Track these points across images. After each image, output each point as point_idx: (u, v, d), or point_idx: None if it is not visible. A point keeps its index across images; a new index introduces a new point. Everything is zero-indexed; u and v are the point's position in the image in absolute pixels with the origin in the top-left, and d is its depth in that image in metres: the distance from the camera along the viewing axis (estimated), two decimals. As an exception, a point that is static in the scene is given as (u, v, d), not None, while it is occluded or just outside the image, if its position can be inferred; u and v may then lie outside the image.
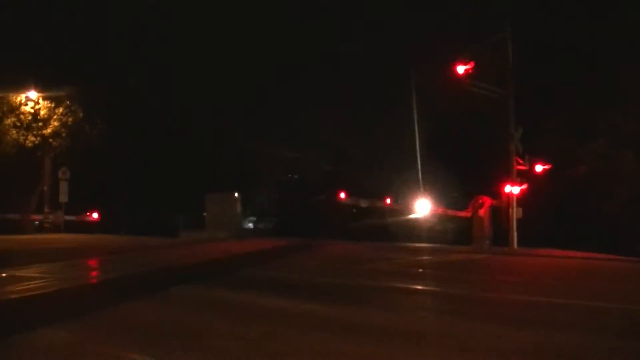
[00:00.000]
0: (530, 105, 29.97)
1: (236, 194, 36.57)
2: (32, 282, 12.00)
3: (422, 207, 30.11)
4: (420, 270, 17.25)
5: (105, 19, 38.21)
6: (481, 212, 25.49)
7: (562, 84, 30.96)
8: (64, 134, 34.55)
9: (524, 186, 25.97)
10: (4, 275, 13.32)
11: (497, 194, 26.30)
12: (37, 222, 36.95)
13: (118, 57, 38.55)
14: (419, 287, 13.00)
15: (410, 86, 34.43)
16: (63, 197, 34.44)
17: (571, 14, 30.50)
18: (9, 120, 33.63)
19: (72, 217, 33.12)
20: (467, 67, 24.88)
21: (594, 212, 29.48)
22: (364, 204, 34.14)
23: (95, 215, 30.26)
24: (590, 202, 29.79)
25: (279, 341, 7.50)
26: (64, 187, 34.53)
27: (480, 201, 25.72)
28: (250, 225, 51.93)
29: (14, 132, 33.57)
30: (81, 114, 34.80)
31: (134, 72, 39.06)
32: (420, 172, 34.90)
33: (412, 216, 32.07)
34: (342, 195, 33.63)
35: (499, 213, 26.35)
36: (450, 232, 32.13)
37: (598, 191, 29.86)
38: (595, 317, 9.57)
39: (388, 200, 33.74)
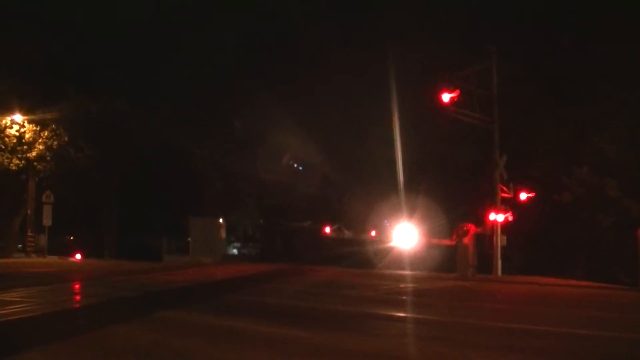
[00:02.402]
0: (515, 132, 30.16)
1: (220, 220, 36.54)
2: (14, 307, 11.92)
3: (406, 235, 30.15)
4: (404, 297, 17.25)
5: (92, 43, 38.25)
6: (465, 239, 25.52)
7: (547, 111, 31.20)
8: (48, 158, 34.43)
9: (508, 214, 26.07)
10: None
11: (481, 221, 26.38)
12: (20, 245, 36.77)
13: (105, 81, 38.55)
14: (403, 314, 13.00)
15: (392, 113, 34.48)
16: (47, 221, 34.25)
17: (556, 42, 30.84)
18: (-7, 143, 33.55)
19: (55, 257, 32.86)
20: (452, 94, 25.06)
21: (579, 240, 29.57)
22: (348, 235, 34.18)
23: (78, 256, 30.31)
24: (574, 230, 29.88)
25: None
26: (47, 210, 34.35)
27: (465, 229, 25.76)
28: (235, 250, 51.73)
29: (-2, 155, 33.48)
30: (66, 138, 34.70)
31: (121, 96, 39.02)
32: (402, 199, 34.90)
33: (395, 244, 32.07)
34: (327, 229, 33.71)
35: (484, 240, 26.42)
36: (435, 259, 32.09)
37: (582, 218, 29.95)
38: (581, 344, 9.58)
39: (373, 233, 33.81)
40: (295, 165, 55.62)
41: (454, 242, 26.83)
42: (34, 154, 33.94)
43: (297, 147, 48.25)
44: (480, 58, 27.11)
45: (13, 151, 33.79)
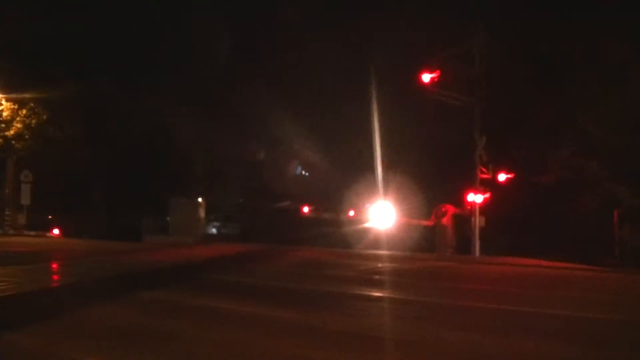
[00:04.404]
0: (500, 113, 30.20)
1: (200, 199, 36.49)
2: (-8, 285, 11.86)
3: (384, 215, 30.23)
4: (383, 277, 17.31)
5: (75, 21, 37.87)
6: (444, 220, 25.71)
7: (533, 91, 31.24)
8: (27, 136, 34.17)
9: (487, 195, 26.20)
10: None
11: (460, 202, 26.51)
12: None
13: (88, 60, 38.27)
14: (382, 294, 13.04)
15: (371, 92, 34.41)
16: (25, 200, 34.02)
17: (539, 21, 30.83)
18: (-31, 121, 33.26)
19: (32, 233, 32.85)
20: (433, 75, 25.09)
21: (561, 221, 29.72)
22: (327, 215, 34.21)
23: (56, 231, 30.40)
24: (557, 211, 30.03)
25: (246, 346, 7.51)
26: (26, 189, 34.09)
27: (444, 210, 25.94)
28: (214, 230, 51.67)
29: (-25, 133, 33.21)
30: (45, 117, 34.45)
31: (105, 75, 38.79)
32: (380, 179, 34.93)
33: (373, 224, 32.14)
34: (306, 209, 33.74)
35: (463, 221, 26.57)
36: (413, 239, 32.18)
37: (565, 200, 30.11)
38: (559, 325, 9.66)
39: (351, 212, 33.84)
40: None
41: (432, 223, 26.98)
42: (12, 132, 33.67)
43: (275, 126, 48.17)
44: (463, 39, 27.11)
45: (-10, 130, 33.55)
